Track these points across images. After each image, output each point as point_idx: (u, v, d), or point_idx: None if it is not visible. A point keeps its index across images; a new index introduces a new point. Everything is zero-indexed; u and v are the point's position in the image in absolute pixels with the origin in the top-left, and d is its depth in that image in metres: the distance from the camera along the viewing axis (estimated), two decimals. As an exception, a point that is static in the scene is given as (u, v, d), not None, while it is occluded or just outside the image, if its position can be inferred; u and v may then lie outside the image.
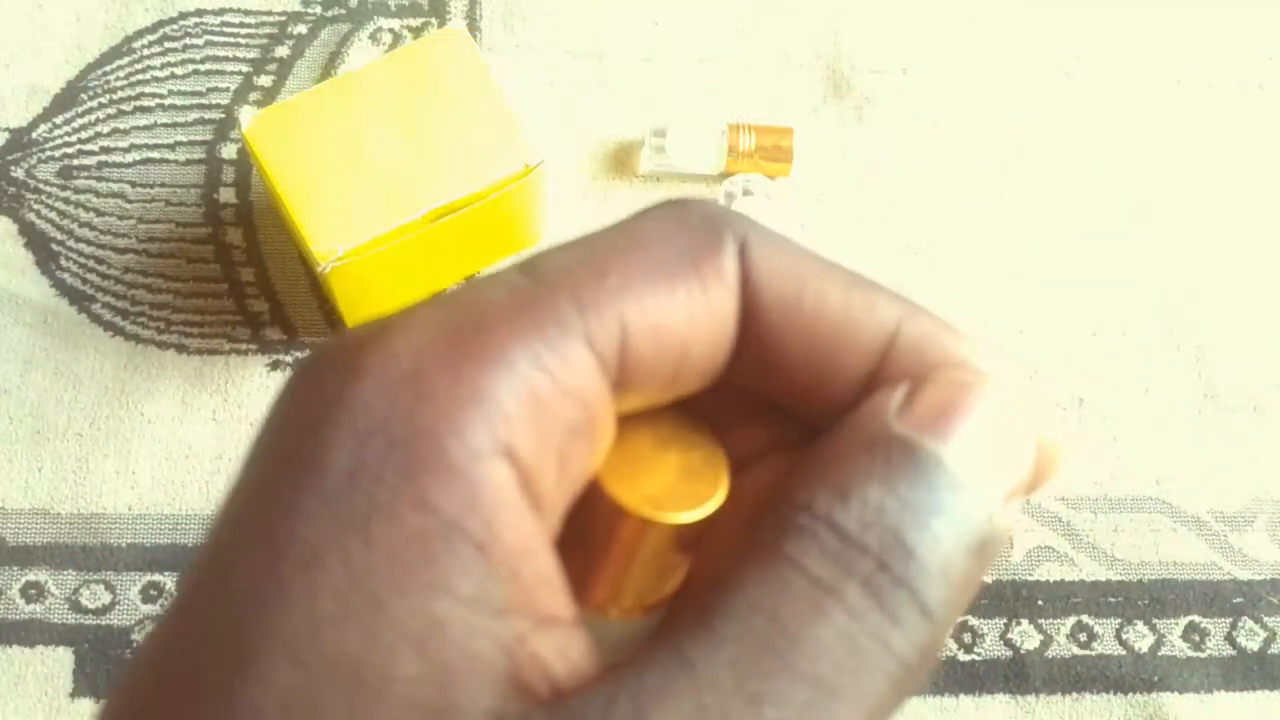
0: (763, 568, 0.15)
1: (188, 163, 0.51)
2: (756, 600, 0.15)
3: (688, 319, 0.17)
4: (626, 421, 0.18)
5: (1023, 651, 0.45)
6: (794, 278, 0.17)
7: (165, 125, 0.51)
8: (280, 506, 0.15)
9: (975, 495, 0.16)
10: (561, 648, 0.15)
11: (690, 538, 0.18)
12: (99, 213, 0.50)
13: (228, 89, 0.52)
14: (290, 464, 0.15)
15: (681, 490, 0.18)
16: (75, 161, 0.51)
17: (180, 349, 0.48)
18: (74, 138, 0.51)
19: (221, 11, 0.54)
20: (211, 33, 0.53)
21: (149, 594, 0.44)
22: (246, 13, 0.54)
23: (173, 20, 0.53)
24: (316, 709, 0.14)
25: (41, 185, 0.50)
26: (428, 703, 0.14)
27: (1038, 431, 0.17)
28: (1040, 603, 0.46)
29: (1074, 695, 0.44)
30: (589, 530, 0.18)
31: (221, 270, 0.49)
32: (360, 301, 0.46)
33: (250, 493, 0.16)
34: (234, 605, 0.15)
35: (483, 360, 0.15)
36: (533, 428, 0.15)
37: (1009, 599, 0.46)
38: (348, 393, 0.15)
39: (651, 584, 0.18)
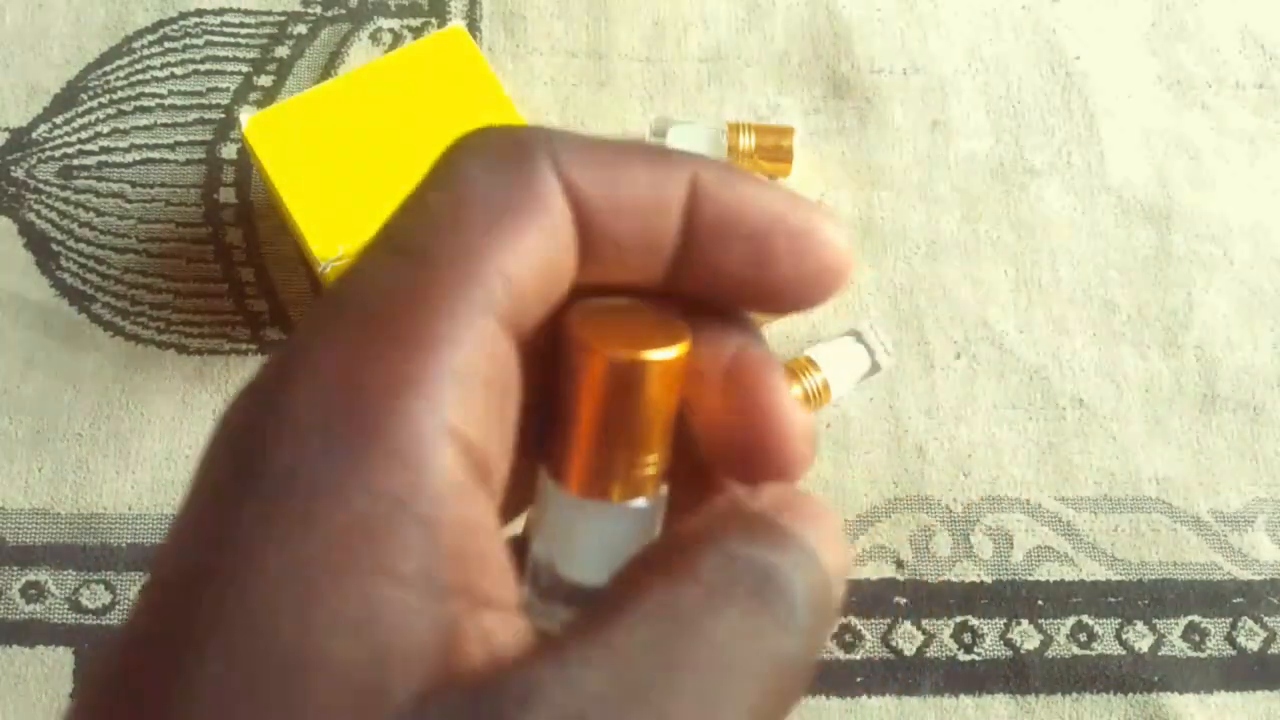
0: (667, 575, 0.17)
1: (188, 163, 0.51)
2: (663, 597, 0.16)
3: (549, 246, 0.18)
4: (586, 304, 0.19)
5: (1023, 651, 0.45)
6: (602, 171, 0.18)
7: (165, 125, 0.51)
8: (220, 507, 0.16)
9: (828, 572, 0.18)
10: (496, 629, 0.16)
11: (665, 387, 0.19)
12: (99, 213, 0.50)
13: (228, 89, 0.52)
14: (231, 469, 0.16)
15: (651, 338, 0.19)
16: (75, 161, 0.51)
17: (180, 349, 0.48)
18: (74, 138, 0.51)
19: (221, 11, 0.54)
20: (211, 33, 0.53)
21: (149, 594, 0.44)
22: (246, 13, 0.54)
23: (173, 20, 0.53)
24: (251, 697, 0.14)
25: (41, 185, 0.50)
26: (361, 685, 0.14)
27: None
28: (1040, 603, 0.46)
29: (1074, 695, 0.44)
30: (568, 399, 0.19)
31: (221, 270, 0.49)
32: (360, 301, 0.45)
33: (194, 501, 0.16)
34: (174, 604, 0.15)
35: (408, 348, 0.16)
36: (469, 403, 0.16)
37: (1009, 599, 0.46)
38: (282, 400, 0.16)
39: (639, 448, 0.19)
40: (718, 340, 0.20)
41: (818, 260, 0.19)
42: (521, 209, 0.18)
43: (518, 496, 0.20)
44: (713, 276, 0.19)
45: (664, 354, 0.19)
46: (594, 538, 0.20)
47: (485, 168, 0.18)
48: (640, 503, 0.19)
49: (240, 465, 0.16)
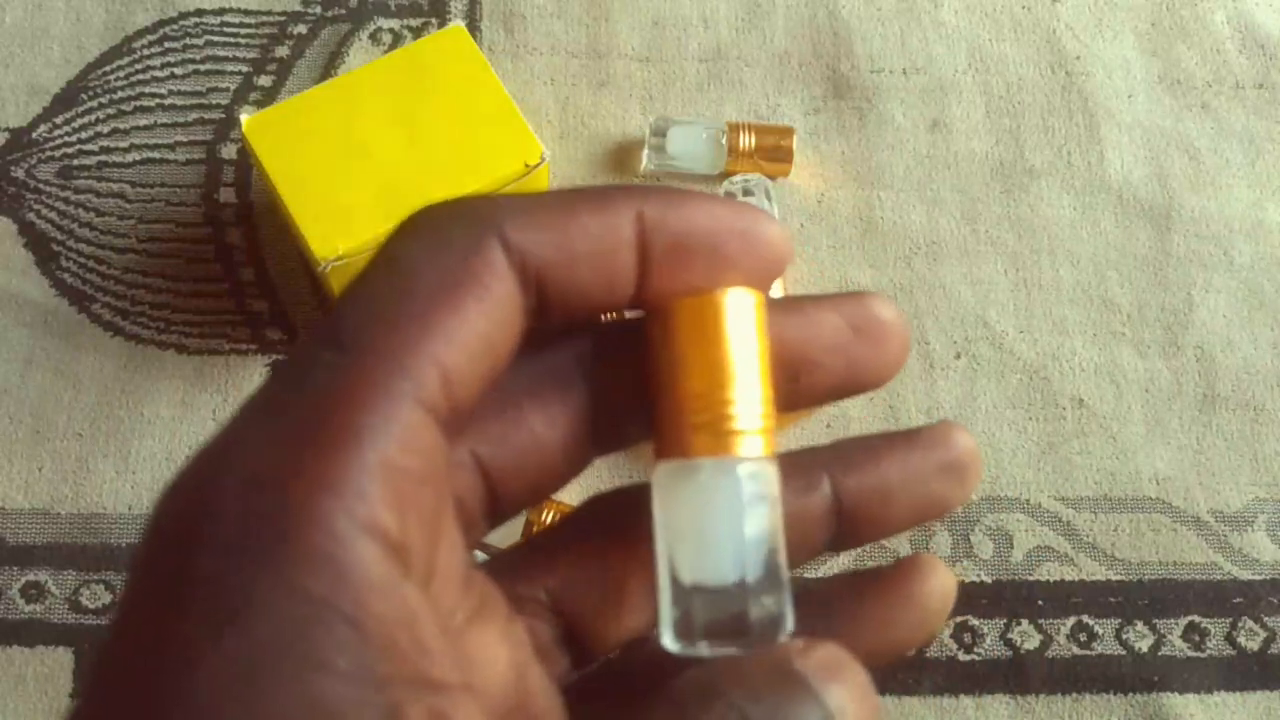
0: None
1: (188, 163, 0.51)
2: None
3: (487, 324, 0.18)
4: None
5: (1023, 651, 0.45)
6: (550, 231, 0.19)
7: (165, 125, 0.51)
8: (156, 616, 0.16)
9: None
10: (443, 711, 0.16)
11: (739, 329, 0.20)
12: (99, 213, 0.50)
13: (228, 89, 0.52)
14: (162, 577, 0.16)
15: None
16: (75, 161, 0.51)
17: (180, 349, 0.48)
18: (74, 138, 0.51)
19: (221, 11, 0.54)
20: (211, 33, 0.53)
21: (149, 594, 0.44)
22: (246, 13, 0.54)
23: (173, 20, 0.53)
24: None
25: (41, 185, 0.50)
26: None
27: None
28: (1040, 603, 0.46)
29: (1074, 695, 0.44)
30: (658, 375, 0.20)
31: (221, 270, 0.49)
32: (360, 301, 0.45)
33: (129, 610, 0.16)
34: (121, 709, 0.15)
35: (328, 449, 0.16)
36: (389, 499, 0.17)
37: (1009, 599, 0.46)
38: (207, 507, 0.16)
39: (732, 389, 0.20)
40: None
41: (765, 255, 0.20)
42: (460, 292, 0.18)
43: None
44: (674, 290, 0.20)
45: (736, 291, 0.20)
46: (708, 511, 0.19)
47: (426, 252, 0.18)
48: (749, 457, 0.19)
49: (170, 574, 0.16)
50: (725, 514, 0.19)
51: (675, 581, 0.19)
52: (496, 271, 0.18)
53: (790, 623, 0.19)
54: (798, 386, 0.21)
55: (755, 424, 0.20)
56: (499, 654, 0.20)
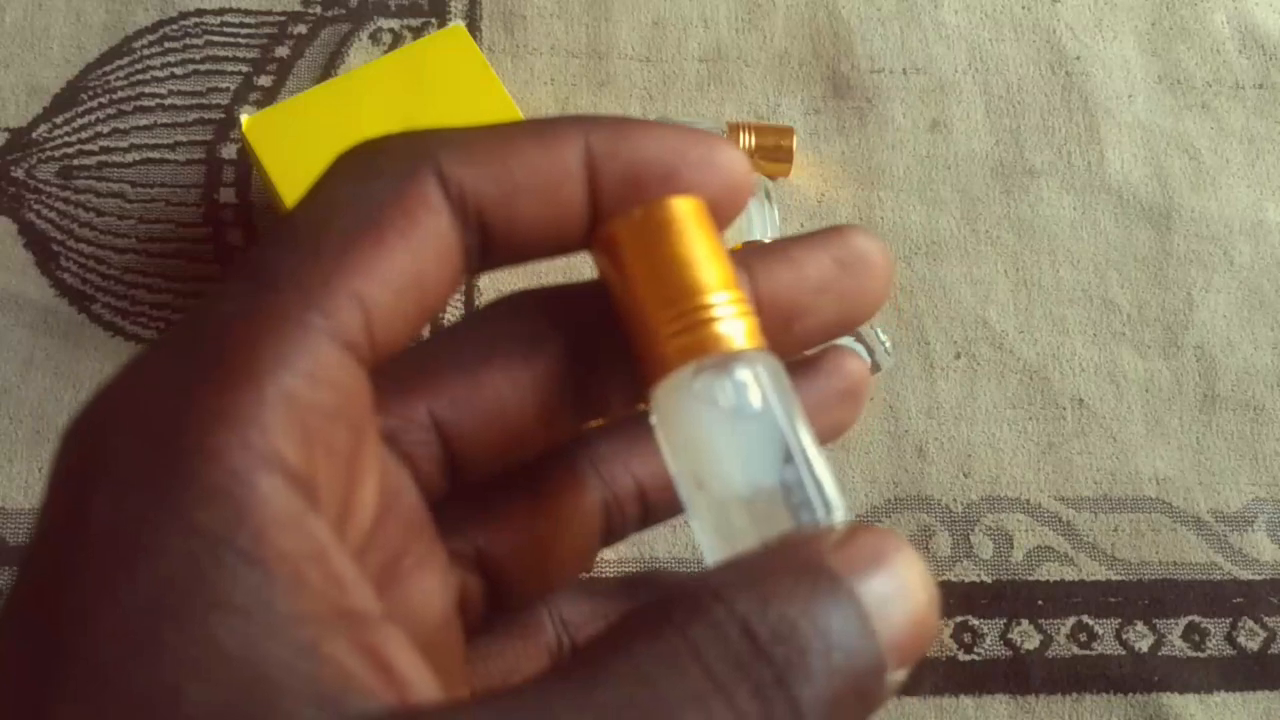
0: (661, 643, 0.15)
1: (188, 163, 0.51)
2: (646, 672, 0.15)
3: (415, 260, 0.17)
4: None
5: (1023, 651, 0.45)
6: (489, 163, 0.18)
7: (165, 125, 0.51)
8: (50, 573, 0.15)
9: (880, 646, 0.16)
10: (371, 643, 0.15)
11: (691, 230, 0.19)
12: (99, 213, 0.50)
13: (228, 89, 0.52)
14: (57, 530, 0.15)
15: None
16: (75, 161, 0.51)
17: (180, 349, 0.48)
18: (74, 138, 0.51)
19: (221, 11, 0.54)
20: (211, 33, 0.53)
21: (149, 594, 0.44)
22: (246, 13, 0.54)
23: (173, 20, 0.53)
24: None
25: (41, 185, 0.50)
26: (224, 715, 0.14)
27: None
28: (1040, 603, 0.46)
29: (1074, 695, 0.44)
30: (622, 309, 0.19)
31: (221, 271, 0.49)
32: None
33: (26, 566, 0.16)
34: (17, 674, 0.15)
35: (227, 383, 0.16)
36: (292, 432, 0.16)
37: (1009, 599, 0.46)
38: (104, 445, 0.15)
39: (704, 291, 0.19)
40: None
41: (724, 182, 0.19)
42: (386, 225, 0.17)
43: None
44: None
45: (673, 198, 0.19)
46: (713, 416, 0.18)
47: (354, 185, 0.18)
48: (736, 350, 0.18)
49: (66, 521, 0.15)
50: (732, 415, 0.18)
51: (704, 499, 0.18)
52: (428, 204, 0.18)
53: (840, 506, 0.18)
54: (791, 334, 0.20)
55: (731, 316, 0.18)
56: (435, 600, 0.19)
